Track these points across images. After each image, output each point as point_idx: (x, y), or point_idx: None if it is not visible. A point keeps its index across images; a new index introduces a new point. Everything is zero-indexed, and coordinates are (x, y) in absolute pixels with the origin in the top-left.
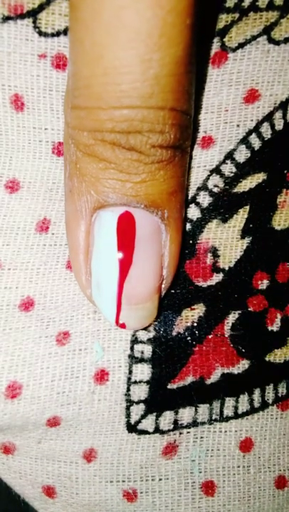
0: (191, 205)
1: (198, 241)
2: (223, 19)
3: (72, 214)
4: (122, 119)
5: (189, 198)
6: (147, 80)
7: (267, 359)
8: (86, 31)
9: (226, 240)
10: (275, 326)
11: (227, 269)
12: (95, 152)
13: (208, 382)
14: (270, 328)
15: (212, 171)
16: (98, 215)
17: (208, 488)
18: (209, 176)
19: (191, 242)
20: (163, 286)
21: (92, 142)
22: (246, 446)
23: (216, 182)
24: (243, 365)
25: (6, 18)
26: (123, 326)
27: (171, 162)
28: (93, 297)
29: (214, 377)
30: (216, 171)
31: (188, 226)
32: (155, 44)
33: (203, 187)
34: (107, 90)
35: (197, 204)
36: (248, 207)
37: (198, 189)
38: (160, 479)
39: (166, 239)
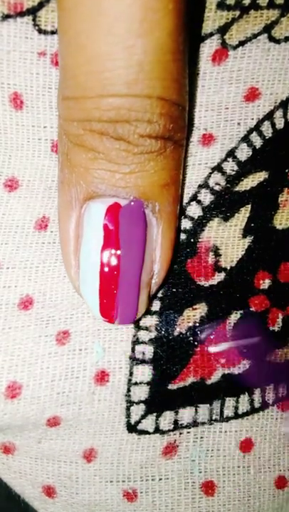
0: (192, 203)
1: (199, 240)
2: (224, 16)
3: (63, 205)
4: (109, 107)
5: (190, 195)
6: (131, 67)
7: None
8: (69, 20)
9: (228, 239)
10: (276, 326)
11: (229, 268)
12: (84, 142)
13: (209, 382)
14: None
15: (213, 169)
16: (88, 206)
17: (208, 488)
18: (210, 173)
19: (192, 240)
20: (154, 281)
21: (81, 132)
22: (246, 446)
23: (217, 180)
24: (244, 365)
25: (6, 16)
26: (110, 320)
27: (161, 153)
28: (80, 290)
29: (215, 377)
30: (218, 168)
31: (189, 224)
32: (137, 30)
33: (205, 184)
34: (91, 79)
35: (198, 202)
36: (249, 206)
37: (200, 187)
38: (160, 479)
39: (157, 233)
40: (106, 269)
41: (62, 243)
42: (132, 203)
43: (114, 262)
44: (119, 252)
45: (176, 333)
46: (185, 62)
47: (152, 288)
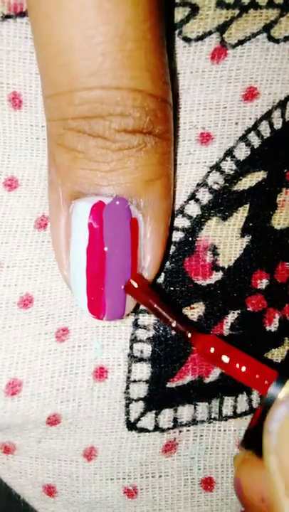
0: (190, 202)
1: (197, 238)
2: (223, 15)
3: (52, 206)
4: (81, 101)
5: (189, 193)
6: (95, 57)
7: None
8: (35, 19)
9: (226, 239)
10: (273, 326)
11: (226, 267)
12: (65, 142)
13: (207, 381)
14: (268, 328)
15: (212, 168)
16: (74, 206)
17: (207, 484)
18: (209, 172)
19: (190, 239)
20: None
21: (62, 132)
22: None
23: (215, 179)
24: None
25: (6, 17)
26: (98, 317)
27: (141, 149)
28: (72, 289)
29: (213, 376)
30: (216, 167)
31: (187, 223)
32: (94, 19)
33: (203, 183)
34: (60, 74)
35: (197, 201)
36: (248, 205)
37: (198, 185)
38: (160, 476)
39: (145, 229)
40: (92, 267)
41: (53, 243)
42: (116, 202)
43: (99, 260)
44: (105, 249)
45: (173, 332)
46: (156, 51)
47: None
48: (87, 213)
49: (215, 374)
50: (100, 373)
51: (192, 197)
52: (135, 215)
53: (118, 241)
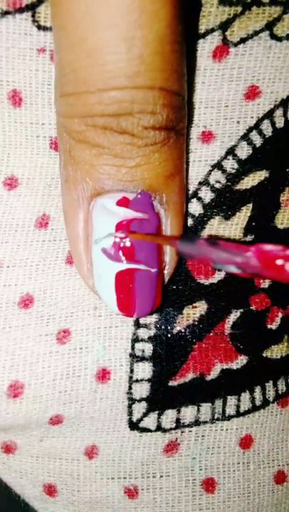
0: (192, 200)
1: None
2: (226, 12)
3: (69, 204)
4: (111, 101)
5: (191, 192)
6: (132, 59)
7: (264, 355)
8: (67, 15)
9: (229, 238)
10: (274, 325)
11: None
12: (88, 138)
13: (208, 378)
14: (269, 326)
15: (213, 166)
16: (95, 203)
17: (209, 485)
18: (211, 171)
19: None
20: (166, 271)
21: (83, 128)
22: (246, 442)
23: (217, 177)
24: (241, 360)
25: (5, 13)
26: (128, 314)
27: (165, 144)
28: (96, 287)
29: (214, 373)
30: (218, 166)
31: (190, 221)
32: (136, 21)
33: (205, 182)
34: (92, 73)
35: (199, 199)
36: (250, 205)
37: (200, 184)
38: (161, 476)
39: (166, 223)
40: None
41: (71, 242)
42: (139, 196)
43: (128, 256)
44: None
45: (175, 331)
46: (183, 53)
47: (165, 278)
48: (112, 209)
49: (216, 371)
50: (103, 375)
51: (194, 195)
52: (157, 210)
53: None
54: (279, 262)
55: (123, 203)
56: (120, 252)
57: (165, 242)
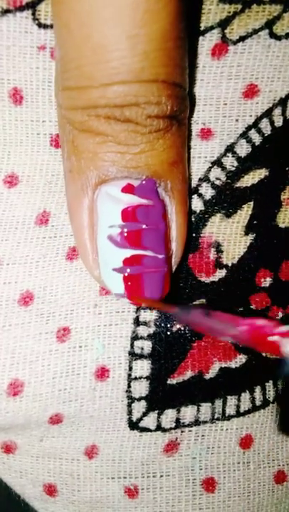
0: (193, 196)
1: (201, 234)
2: (226, 10)
3: (73, 194)
4: (115, 95)
5: (191, 188)
6: (136, 56)
7: (264, 354)
8: (71, 14)
9: (230, 236)
10: None
11: (230, 265)
12: (91, 127)
13: (207, 377)
14: None
15: (213, 163)
16: (100, 191)
17: (209, 484)
18: (210, 167)
19: (194, 235)
20: (173, 260)
21: (86, 118)
22: (246, 442)
23: (217, 174)
24: (240, 359)
25: (5, 11)
26: (138, 303)
27: (168, 131)
28: (102, 277)
29: (212, 371)
30: (218, 163)
31: (191, 218)
32: (140, 19)
33: (205, 178)
34: (97, 69)
35: (200, 195)
36: (252, 203)
37: (200, 180)
38: (161, 476)
39: (171, 211)
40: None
41: (76, 232)
42: (144, 182)
43: (135, 244)
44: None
45: (174, 329)
46: (185, 48)
47: (172, 267)
48: (117, 196)
49: (214, 369)
50: (102, 373)
51: (195, 191)
52: (162, 197)
53: (152, 222)
54: (271, 338)
55: (128, 189)
56: (127, 239)
57: (164, 309)
